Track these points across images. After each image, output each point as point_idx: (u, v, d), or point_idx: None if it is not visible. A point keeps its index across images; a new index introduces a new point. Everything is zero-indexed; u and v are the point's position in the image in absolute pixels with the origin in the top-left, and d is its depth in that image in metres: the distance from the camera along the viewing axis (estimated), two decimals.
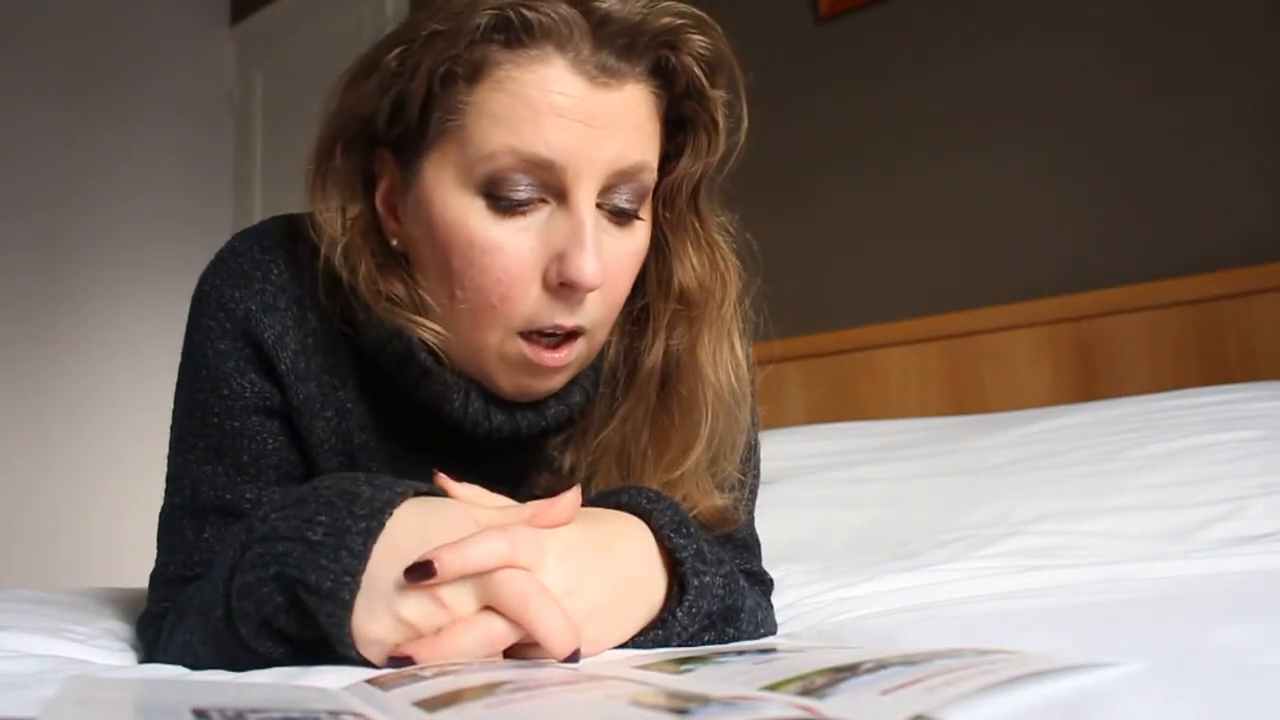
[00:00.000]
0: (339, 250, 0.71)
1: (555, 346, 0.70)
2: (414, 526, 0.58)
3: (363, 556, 0.56)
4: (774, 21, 2.18)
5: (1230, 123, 1.65)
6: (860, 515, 1.34)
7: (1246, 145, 1.63)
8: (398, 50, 0.68)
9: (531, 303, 0.68)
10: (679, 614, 0.64)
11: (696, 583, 0.64)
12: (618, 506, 0.67)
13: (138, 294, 3.08)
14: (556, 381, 0.73)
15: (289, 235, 0.77)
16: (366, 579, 0.56)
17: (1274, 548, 0.90)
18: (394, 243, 0.73)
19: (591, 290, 0.68)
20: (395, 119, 0.69)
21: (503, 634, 0.55)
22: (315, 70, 3.28)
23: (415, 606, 0.55)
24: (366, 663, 0.58)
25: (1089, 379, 1.70)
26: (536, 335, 0.70)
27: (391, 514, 0.58)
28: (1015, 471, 1.33)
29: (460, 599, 0.56)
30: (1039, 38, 1.85)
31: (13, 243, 2.87)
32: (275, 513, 0.61)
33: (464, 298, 0.68)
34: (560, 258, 0.67)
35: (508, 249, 0.67)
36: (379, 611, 0.55)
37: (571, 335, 0.70)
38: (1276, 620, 0.52)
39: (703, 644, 0.66)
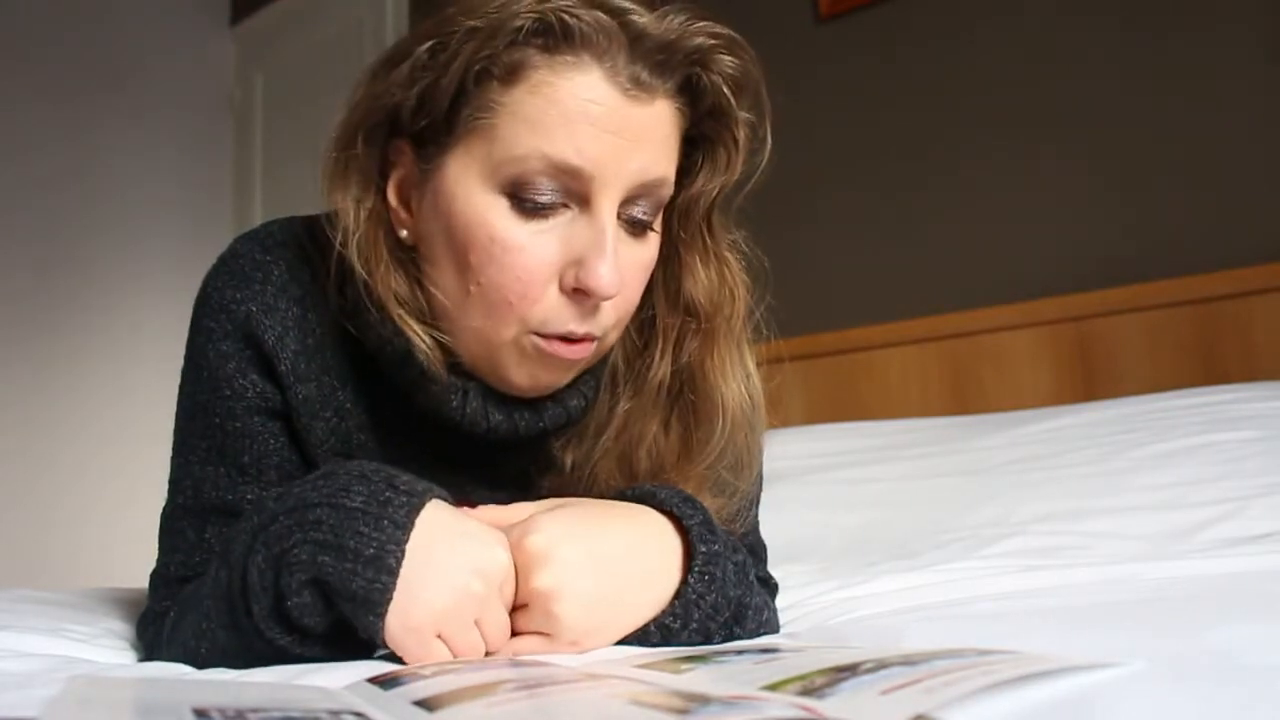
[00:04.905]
0: (355, 242, 0.70)
1: (571, 341, 0.70)
2: (448, 516, 0.61)
3: (406, 528, 0.58)
4: (774, 21, 2.18)
5: (1231, 123, 1.65)
6: (860, 515, 1.34)
7: (1247, 145, 1.63)
8: (430, 43, 0.67)
9: (547, 304, 0.68)
10: (691, 580, 0.65)
11: (704, 549, 0.66)
12: (624, 499, 0.70)
13: (138, 294, 3.08)
14: (567, 377, 0.73)
15: (291, 236, 0.77)
16: (411, 548, 0.58)
17: (1274, 548, 0.90)
18: (403, 234, 0.73)
19: (608, 298, 0.68)
20: (421, 111, 0.69)
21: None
22: (315, 70, 3.31)
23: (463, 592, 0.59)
24: (391, 656, 0.60)
25: (1089, 379, 1.70)
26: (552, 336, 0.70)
27: (431, 498, 0.61)
28: (1015, 471, 1.33)
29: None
30: (1039, 38, 1.85)
31: (13, 242, 2.87)
32: (299, 486, 0.62)
33: (479, 293, 0.68)
34: (580, 263, 0.67)
35: (529, 248, 0.67)
36: (430, 584, 0.58)
37: (585, 337, 0.71)
38: (1276, 620, 0.52)
39: (715, 630, 0.67)
